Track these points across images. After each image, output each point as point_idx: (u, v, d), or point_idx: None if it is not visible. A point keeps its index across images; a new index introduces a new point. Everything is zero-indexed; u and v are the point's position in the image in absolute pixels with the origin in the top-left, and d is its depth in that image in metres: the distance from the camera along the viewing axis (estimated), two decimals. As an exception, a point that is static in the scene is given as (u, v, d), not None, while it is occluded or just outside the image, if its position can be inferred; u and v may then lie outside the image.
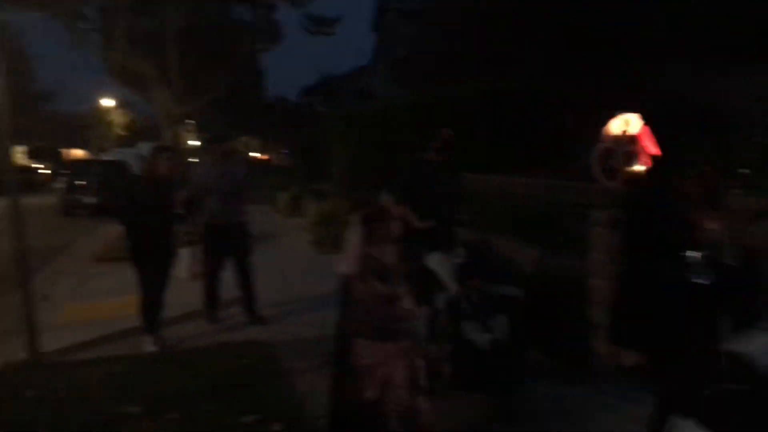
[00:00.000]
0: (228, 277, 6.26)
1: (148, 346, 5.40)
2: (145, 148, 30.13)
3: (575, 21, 10.86)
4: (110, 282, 8.52)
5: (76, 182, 19.15)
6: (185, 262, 5.86)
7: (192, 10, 16.66)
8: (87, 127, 49.23)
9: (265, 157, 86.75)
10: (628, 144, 7.53)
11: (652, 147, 6.65)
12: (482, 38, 12.67)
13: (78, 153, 60.54)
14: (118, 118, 56.65)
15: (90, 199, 18.71)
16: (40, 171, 47.60)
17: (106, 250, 10.94)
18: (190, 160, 35.18)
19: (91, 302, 7.48)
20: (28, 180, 41.53)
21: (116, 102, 53.22)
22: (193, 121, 42.69)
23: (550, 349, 4.63)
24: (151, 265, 5.41)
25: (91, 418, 3.87)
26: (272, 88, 50.30)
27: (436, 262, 4.17)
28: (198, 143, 45.97)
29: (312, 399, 4.14)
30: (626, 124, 7.65)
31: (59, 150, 61.56)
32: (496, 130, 10.09)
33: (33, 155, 57.37)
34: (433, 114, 10.42)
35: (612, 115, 7.89)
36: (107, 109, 54.21)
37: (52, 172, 46.78)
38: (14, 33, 49.55)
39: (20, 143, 58.03)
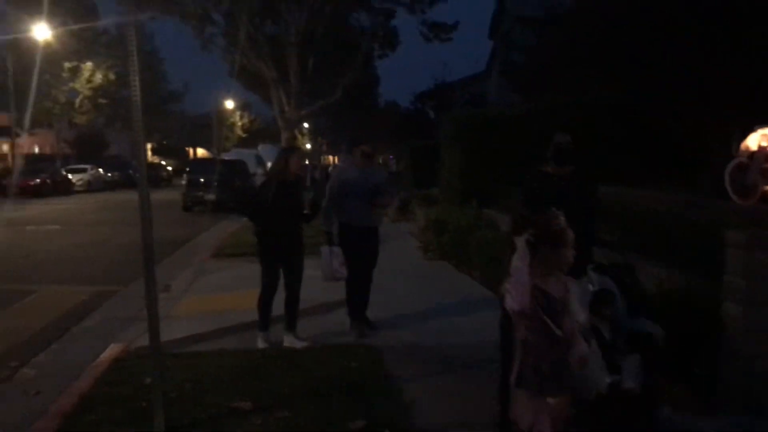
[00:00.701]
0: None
1: (260, 342, 5.49)
2: (263, 149, 31.47)
3: (717, 27, 10.19)
4: (226, 277, 8.83)
5: (198, 180, 20.10)
6: (324, 262, 5.77)
7: (313, 17, 17.07)
8: (209, 127, 51.68)
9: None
10: (765, 160, 6.96)
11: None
12: (608, 45, 12.12)
13: (201, 152, 63.88)
14: (239, 120, 59.26)
15: (210, 196, 19.58)
16: (165, 168, 50.66)
17: (223, 246, 11.38)
18: (306, 162, 36.30)
19: (207, 295, 7.75)
20: (153, 176, 44.36)
21: (237, 104, 55.73)
22: (307, 125, 44.04)
23: (677, 376, 4.29)
24: (278, 264, 5.50)
25: (204, 410, 3.95)
26: (384, 94, 50.86)
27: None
28: (310, 147, 47.39)
29: (421, 408, 4.04)
30: (765, 139, 7.08)
31: (184, 148, 65.26)
32: (617, 140, 9.63)
33: (158, 152, 61.14)
34: (552, 122, 10.11)
35: (750, 130, 7.32)
36: (229, 111, 56.79)
37: (176, 169, 49.76)
38: (148, 36, 53.05)
39: (148, 140, 62.14)
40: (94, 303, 7.63)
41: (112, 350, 5.34)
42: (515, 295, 2.72)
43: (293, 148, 5.88)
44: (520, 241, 2.75)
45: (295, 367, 4.78)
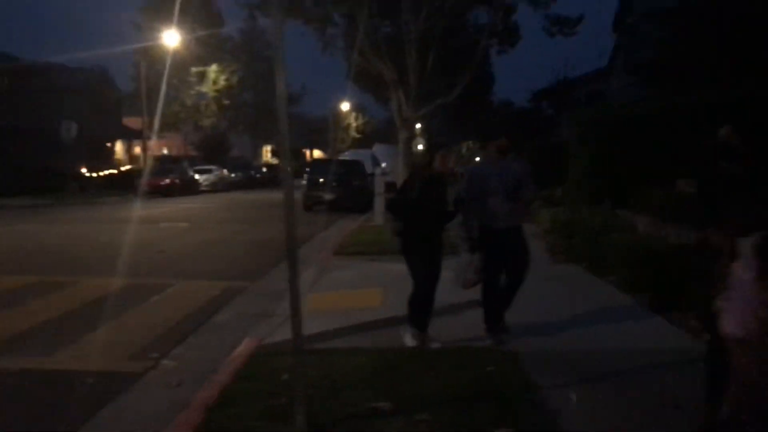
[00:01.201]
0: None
1: (408, 339, 5.39)
2: (378, 149, 31.79)
3: None
4: (348, 275, 8.85)
5: (317, 180, 20.52)
6: (459, 268, 5.49)
7: (432, 15, 16.94)
8: (326, 129, 52.93)
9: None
10: None
11: None
12: (752, 38, 11.19)
13: (316, 153, 65.58)
14: (354, 122, 60.28)
15: (329, 196, 19.94)
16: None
17: (343, 244, 11.47)
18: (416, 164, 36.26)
19: (332, 292, 7.77)
20: (273, 176, 46.00)
21: (353, 106, 56.73)
22: (420, 125, 44.04)
23: None
24: (424, 262, 5.34)
25: (342, 409, 3.87)
26: (497, 92, 50.15)
27: None
28: (423, 147, 47.42)
29: (569, 418, 3.77)
30: None
31: (301, 150, 67.24)
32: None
33: (276, 154, 63.26)
34: (693, 120, 9.45)
35: None
36: (345, 113, 57.90)
37: (295, 170, 51.17)
38: (268, 42, 54.97)
39: (268, 142, 64.60)
40: (226, 298, 7.84)
41: (247, 345, 5.40)
42: (737, 317, 2.20)
43: (437, 145, 5.77)
44: (745, 246, 2.20)
45: (431, 368, 4.62)
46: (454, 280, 5.55)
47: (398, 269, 9.34)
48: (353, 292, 7.76)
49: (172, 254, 11.48)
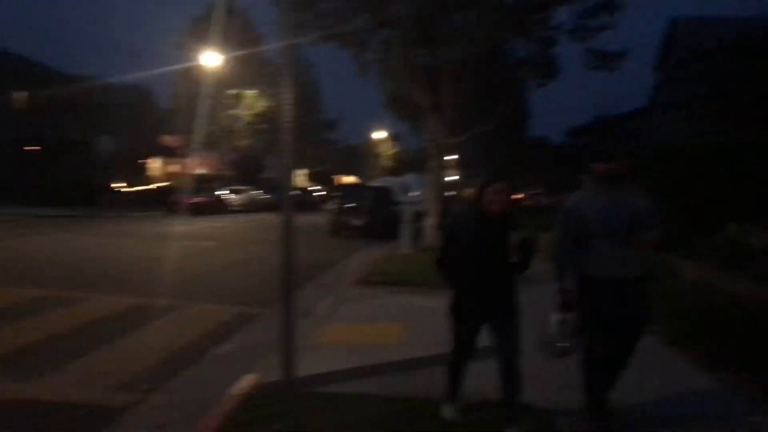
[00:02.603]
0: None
1: (447, 412, 4.39)
2: (410, 178, 31.37)
3: None
4: (369, 306, 8.32)
5: (346, 205, 20.10)
6: (548, 331, 4.21)
7: (471, 44, 16.53)
8: (360, 156, 52.88)
9: (520, 196, 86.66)
10: None
11: None
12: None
13: (349, 179, 65.58)
14: (387, 149, 60.26)
15: (357, 221, 19.50)
16: (314, 193, 52.35)
17: (367, 273, 10.94)
18: (447, 194, 35.81)
19: (349, 324, 7.24)
20: (302, 200, 45.93)
21: (386, 134, 56.73)
22: (454, 156, 43.65)
23: None
24: (474, 324, 4.16)
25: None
26: (532, 127, 49.60)
27: None
28: (456, 178, 46.99)
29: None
30: None
31: (333, 176, 67.35)
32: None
33: (312, 178, 63.51)
34: (741, 160, 8.81)
35: None
36: (378, 141, 57.93)
37: (325, 194, 51.25)
38: (308, 67, 55.47)
39: (303, 167, 64.78)
40: (236, 324, 7.37)
41: (244, 383, 4.88)
42: None
43: (498, 173, 4.16)
44: None
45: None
46: (541, 347, 4.31)
47: (421, 303, 8.86)
48: (372, 326, 7.21)
49: (190, 274, 11.08)
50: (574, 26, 16.20)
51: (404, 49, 16.47)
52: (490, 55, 18.77)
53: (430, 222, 16.79)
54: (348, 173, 66.86)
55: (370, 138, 54.24)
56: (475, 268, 4.03)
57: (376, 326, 7.17)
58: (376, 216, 19.48)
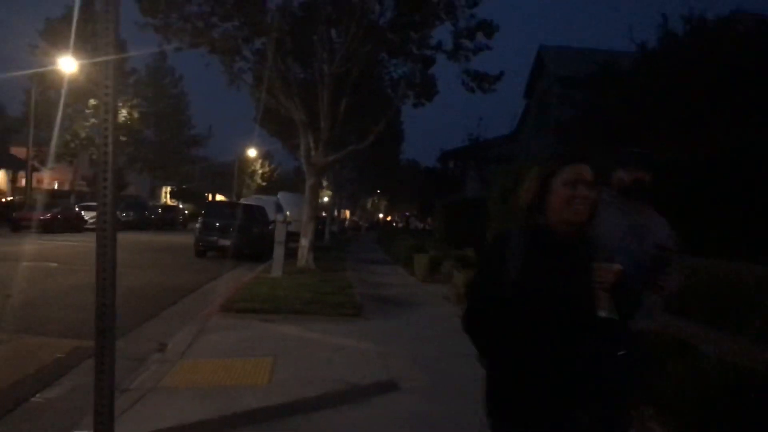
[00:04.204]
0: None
1: None
2: (283, 196, 30.35)
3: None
4: (234, 338, 7.36)
5: (212, 223, 18.82)
6: None
7: (347, 60, 16.03)
8: (231, 174, 51.10)
9: (388, 218, 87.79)
10: None
11: None
12: (679, 102, 10.90)
13: (220, 197, 63.27)
14: (260, 167, 58.78)
15: (224, 242, 18.28)
16: (182, 211, 49.84)
17: (233, 298, 9.91)
18: (322, 215, 35.15)
19: (210, 360, 6.27)
20: (169, 218, 43.47)
21: (259, 152, 55.33)
22: (325, 183, 43.09)
23: None
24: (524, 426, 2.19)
25: None
26: (405, 150, 50.19)
27: None
28: (328, 199, 46.46)
29: None
30: None
31: (203, 194, 64.74)
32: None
33: (175, 195, 60.54)
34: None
35: None
36: (251, 159, 56.39)
37: (193, 213, 48.87)
38: (177, 79, 53.08)
39: (168, 184, 61.69)
40: (72, 361, 6.17)
41: (67, 444, 3.84)
42: None
43: (572, 152, 2.79)
44: None
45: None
46: None
47: (294, 333, 7.98)
48: (236, 361, 6.28)
49: (24, 300, 9.52)
50: (453, 46, 16.15)
51: (278, 61, 15.67)
52: (368, 72, 18.40)
53: (303, 242, 15.99)
54: (219, 191, 64.54)
55: (243, 155, 52.58)
56: (541, 332, 2.10)
57: (241, 362, 6.25)
58: (245, 236, 18.37)
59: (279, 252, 13.67)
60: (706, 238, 7.20)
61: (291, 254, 15.78)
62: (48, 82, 33.27)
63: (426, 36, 16.70)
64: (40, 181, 39.96)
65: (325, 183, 39.74)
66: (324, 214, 38.35)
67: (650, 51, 13.14)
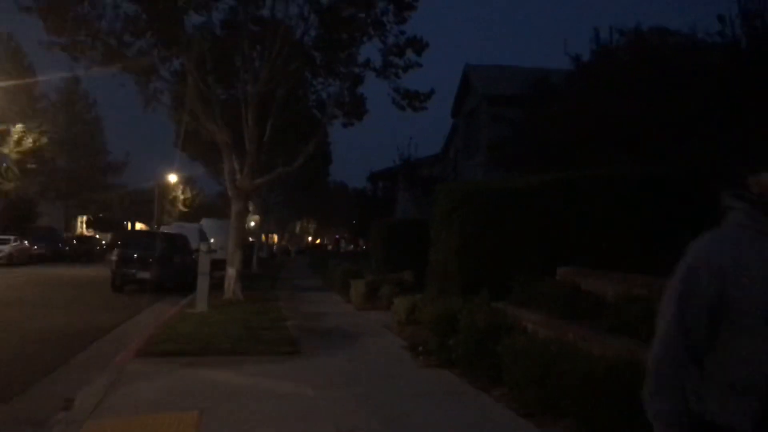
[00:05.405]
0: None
1: None
2: (206, 223, 29.05)
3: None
4: (154, 388, 6.41)
5: (130, 255, 17.52)
6: None
7: (272, 80, 15.31)
8: (151, 201, 49.01)
9: (318, 241, 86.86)
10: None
11: None
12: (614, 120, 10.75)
13: (139, 226, 60.64)
14: (182, 194, 56.80)
15: (145, 274, 17.03)
16: (99, 242, 47.32)
17: (154, 340, 8.91)
18: (250, 240, 33.95)
19: (126, 418, 5.35)
20: (87, 250, 41.07)
21: (181, 178, 53.48)
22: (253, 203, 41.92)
23: None
24: None
25: None
26: (333, 172, 49.47)
27: None
28: (256, 224, 45.21)
29: None
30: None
31: (122, 222, 61.93)
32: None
33: (91, 225, 57.64)
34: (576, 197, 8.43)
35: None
36: (172, 185, 54.45)
37: (111, 243, 46.48)
38: (91, 104, 50.81)
39: (84, 213, 58.67)
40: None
41: None
42: None
43: None
44: None
45: None
46: None
47: (223, 379, 7.04)
48: (155, 417, 5.38)
49: None
50: (382, 64, 15.72)
51: (198, 81, 14.76)
52: (294, 91, 17.74)
53: (230, 272, 15.02)
54: (139, 219, 61.92)
55: (163, 181, 50.59)
56: None
57: (160, 418, 5.36)
58: (167, 267, 17.18)
59: (203, 284, 12.66)
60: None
61: (218, 285, 14.78)
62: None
63: (354, 54, 16.20)
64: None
65: (251, 207, 38.61)
66: (252, 239, 37.15)
67: (585, 63, 13.04)
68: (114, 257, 17.91)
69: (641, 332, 4.81)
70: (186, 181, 57.05)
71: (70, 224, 58.15)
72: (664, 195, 8.18)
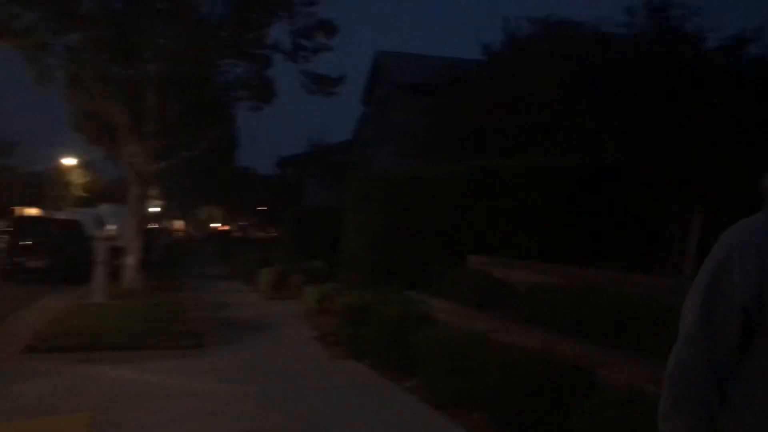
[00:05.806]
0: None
1: None
2: (104, 209, 27.58)
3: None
4: (43, 387, 5.92)
5: (21, 242, 16.38)
6: None
7: (172, 60, 14.59)
8: (44, 185, 46.26)
9: (226, 227, 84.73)
10: None
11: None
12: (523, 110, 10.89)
13: (31, 211, 57.17)
14: (78, 178, 53.94)
15: (36, 262, 15.97)
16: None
17: (44, 334, 8.27)
18: (150, 227, 32.60)
19: (9, 424, 4.88)
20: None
21: (77, 161, 50.77)
22: (154, 188, 40.31)
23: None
24: None
25: None
26: (239, 157, 48.11)
27: None
28: (158, 210, 43.50)
29: None
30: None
31: (11, 207, 58.25)
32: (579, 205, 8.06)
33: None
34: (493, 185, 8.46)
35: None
36: (67, 168, 51.64)
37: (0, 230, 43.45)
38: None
39: (-32, 197, 54.71)
40: None
41: None
42: None
43: None
44: None
45: None
46: None
47: (119, 376, 6.58)
48: (43, 421, 4.95)
49: None
50: (292, 47, 15.28)
51: (95, 58, 13.83)
52: (199, 72, 17.01)
53: (130, 260, 14.26)
54: (31, 204, 58.41)
55: (58, 164, 47.83)
56: None
57: (49, 422, 4.93)
58: (60, 255, 16.17)
59: (100, 273, 11.94)
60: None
61: (117, 274, 14.01)
62: None
63: (263, 35, 15.67)
64: None
65: (154, 192, 37.11)
66: (156, 225, 35.71)
67: (496, 53, 13.17)
68: (3, 244, 16.72)
69: (555, 323, 4.81)
70: (85, 164, 54.24)
71: None
72: (577, 185, 8.34)
